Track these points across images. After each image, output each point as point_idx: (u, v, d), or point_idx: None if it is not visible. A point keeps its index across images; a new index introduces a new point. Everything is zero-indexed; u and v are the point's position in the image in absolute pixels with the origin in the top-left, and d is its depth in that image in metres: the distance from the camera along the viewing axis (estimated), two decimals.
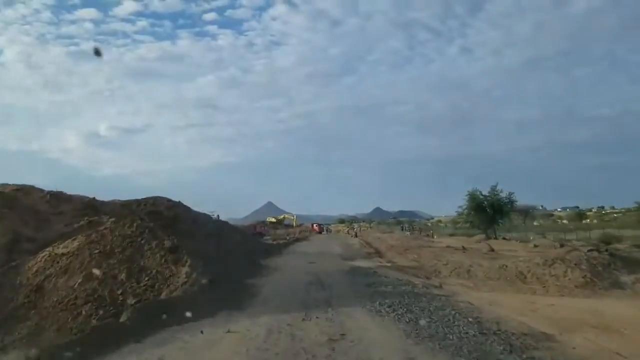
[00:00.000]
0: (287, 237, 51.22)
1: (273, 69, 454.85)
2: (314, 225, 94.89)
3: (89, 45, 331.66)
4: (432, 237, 48.64)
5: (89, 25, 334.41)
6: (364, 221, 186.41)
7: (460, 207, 35.73)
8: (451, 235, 51.00)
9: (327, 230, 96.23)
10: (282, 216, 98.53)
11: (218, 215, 37.54)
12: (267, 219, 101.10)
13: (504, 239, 34.78)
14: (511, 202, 33.49)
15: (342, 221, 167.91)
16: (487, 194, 33.82)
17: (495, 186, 34.08)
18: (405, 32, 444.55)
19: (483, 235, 36.22)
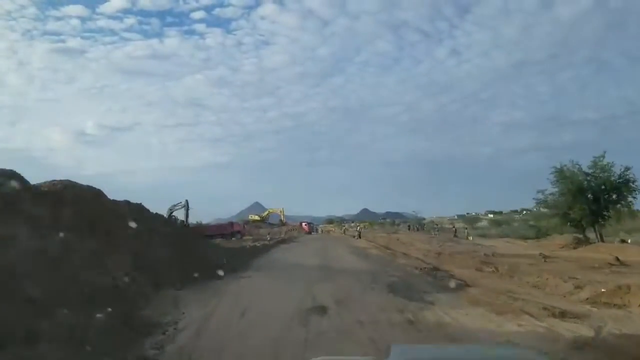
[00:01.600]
0: (268, 238, 37.59)
1: (262, 69, 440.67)
2: (303, 224, 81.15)
3: (75, 42, 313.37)
4: (467, 238, 35.53)
5: (75, 22, 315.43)
6: (353, 222, 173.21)
7: (541, 193, 21.60)
8: (502, 237, 37.86)
9: (316, 230, 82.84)
10: (265, 212, 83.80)
11: (175, 218, 32.05)
12: (250, 217, 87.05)
13: (622, 241, 21.65)
14: (629, 183, 19.68)
15: (330, 221, 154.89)
16: (590, 171, 20.13)
17: (602, 157, 20.65)
18: (394, 33, 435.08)
19: (563, 236, 23.41)
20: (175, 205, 60.57)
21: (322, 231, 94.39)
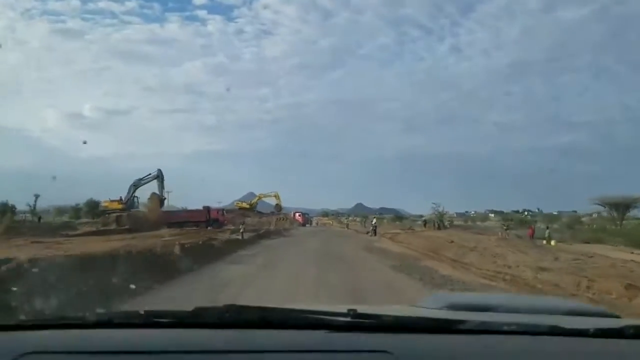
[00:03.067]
0: (242, 229, 26.12)
1: (262, 58, 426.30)
2: (297, 214, 69.72)
3: (75, 23, 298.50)
4: (549, 242, 24.21)
5: (76, 3, 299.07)
6: (349, 215, 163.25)
7: None
8: (586, 242, 26.65)
9: (310, 222, 71.44)
10: (255, 198, 71.42)
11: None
12: (236, 203, 75.27)
13: None
14: None
15: (325, 214, 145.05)
16: None
17: None
18: (396, 28, 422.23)
19: None
20: (142, 179, 48.72)
21: (317, 223, 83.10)
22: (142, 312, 1.08)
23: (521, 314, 1.22)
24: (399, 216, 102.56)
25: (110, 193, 47.50)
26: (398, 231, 37.08)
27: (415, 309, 1.34)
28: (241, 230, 24.25)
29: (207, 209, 45.83)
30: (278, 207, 69.85)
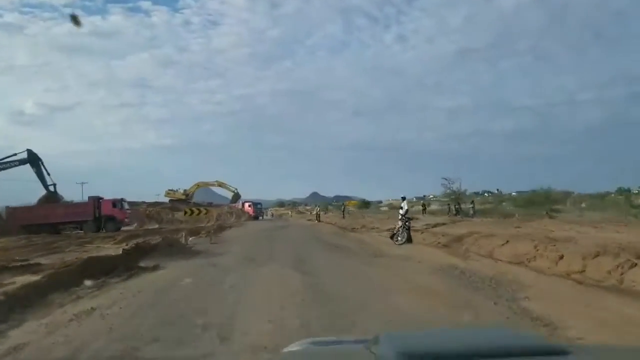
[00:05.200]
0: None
1: (210, 49, 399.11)
2: (246, 204, 53.03)
3: (13, 17, 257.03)
4: None
5: None
6: (306, 205, 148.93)
7: None
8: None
9: (262, 214, 55.34)
10: (191, 187, 53.46)
11: None
12: (166, 192, 56.90)
13: None
14: None
15: (281, 204, 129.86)
16: None
17: None
18: (344, 17, 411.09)
19: None
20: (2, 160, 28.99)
21: (272, 215, 67.38)
22: None
23: None
24: (365, 202, 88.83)
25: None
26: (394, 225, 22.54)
27: None
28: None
29: (96, 201, 28.24)
30: (235, 197, 52.87)
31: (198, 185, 54.15)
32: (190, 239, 17.19)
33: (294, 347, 1.31)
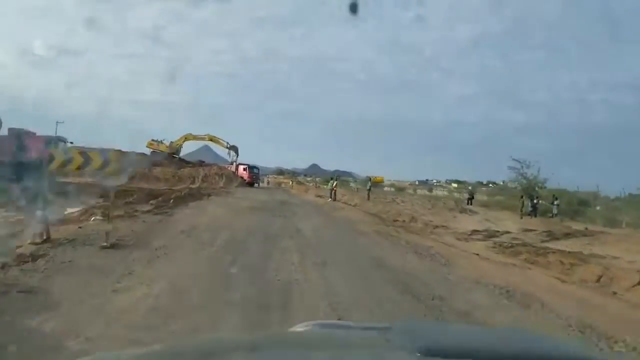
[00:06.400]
0: None
1: (222, 9, 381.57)
2: (240, 167, 43.68)
3: None
4: None
5: None
6: (305, 175, 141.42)
7: None
8: None
9: (258, 181, 46.30)
10: (177, 140, 43.78)
11: None
12: (147, 143, 47.14)
13: None
14: None
15: (281, 172, 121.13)
16: None
17: None
18: None
19: None
20: None
21: (268, 183, 57.95)
22: None
23: None
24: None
25: None
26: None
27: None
28: None
29: (18, 136, 18.87)
30: (234, 150, 43.49)
31: (186, 138, 44.35)
32: (92, 219, 8.09)
33: (300, 328, 1.21)
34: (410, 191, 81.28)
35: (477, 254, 8.84)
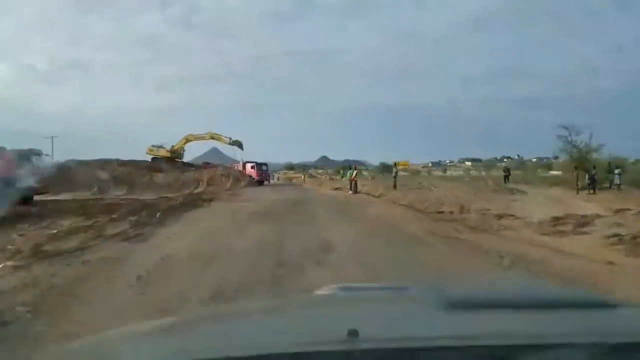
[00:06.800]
0: None
1: (221, 9, 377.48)
2: (248, 165, 40.67)
3: None
4: None
5: None
6: (316, 168, 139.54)
7: None
8: None
9: (268, 178, 43.28)
10: (179, 142, 40.48)
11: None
12: (147, 149, 44.27)
13: None
14: None
15: (291, 167, 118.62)
16: None
17: None
18: None
19: None
20: None
21: (278, 179, 54.56)
22: None
23: (545, 312, 0.85)
24: (386, 166, 75.75)
25: None
26: None
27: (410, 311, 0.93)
28: None
29: None
30: (238, 145, 40.47)
31: (187, 139, 41.49)
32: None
33: (324, 291, 1.22)
34: (425, 173, 77.29)
35: (611, 262, 5.65)
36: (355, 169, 20.85)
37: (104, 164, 36.67)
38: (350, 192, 19.86)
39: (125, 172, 34.29)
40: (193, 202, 15.38)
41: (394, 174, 21.32)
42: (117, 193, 21.51)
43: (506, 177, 22.74)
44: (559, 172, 23.82)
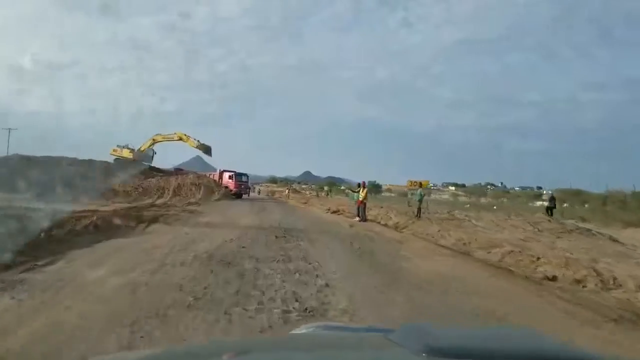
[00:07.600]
0: None
1: (215, 18, 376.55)
2: (226, 174, 34.77)
3: None
4: None
5: None
6: (299, 183, 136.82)
7: None
8: None
9: (248, 191, 37.56)
10: (145, 143, 34.20)
11: None
12: (111, 150, 37.86)
13: None
14: None
15: (274, 181, 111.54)
16: None
17: None
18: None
19: None
20: None
21: (259, 192, 51.77)
22: None
23: None
24: (376, 186, 70.89)
25: None
26: None
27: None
28: None
29: None
30: (205, 149, 34.31)
31: (154, 140, 35.44)
32: None
33: (302, 330, 1.20)
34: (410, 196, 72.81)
35: None
36: (365, 187, 15.28)
37: (51, 161, 31.05)
38: (358, 218, 14.33)
39: (72, 172, 27.96)
40: (117, 226, 9.52)
41: (418, 198, 15.85)
42: (25, 197, 15.20)
43: (549, 209, 17.72)
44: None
